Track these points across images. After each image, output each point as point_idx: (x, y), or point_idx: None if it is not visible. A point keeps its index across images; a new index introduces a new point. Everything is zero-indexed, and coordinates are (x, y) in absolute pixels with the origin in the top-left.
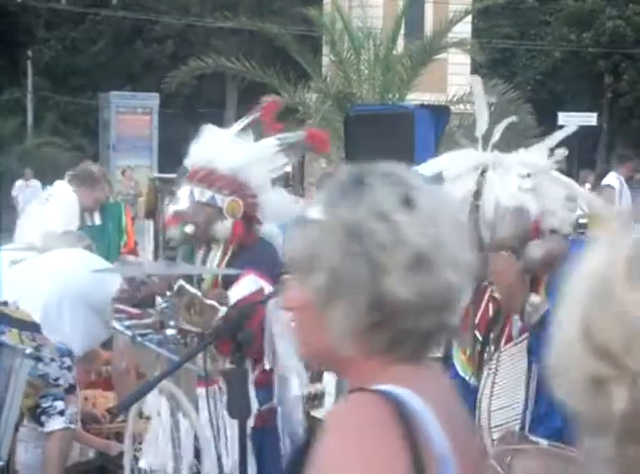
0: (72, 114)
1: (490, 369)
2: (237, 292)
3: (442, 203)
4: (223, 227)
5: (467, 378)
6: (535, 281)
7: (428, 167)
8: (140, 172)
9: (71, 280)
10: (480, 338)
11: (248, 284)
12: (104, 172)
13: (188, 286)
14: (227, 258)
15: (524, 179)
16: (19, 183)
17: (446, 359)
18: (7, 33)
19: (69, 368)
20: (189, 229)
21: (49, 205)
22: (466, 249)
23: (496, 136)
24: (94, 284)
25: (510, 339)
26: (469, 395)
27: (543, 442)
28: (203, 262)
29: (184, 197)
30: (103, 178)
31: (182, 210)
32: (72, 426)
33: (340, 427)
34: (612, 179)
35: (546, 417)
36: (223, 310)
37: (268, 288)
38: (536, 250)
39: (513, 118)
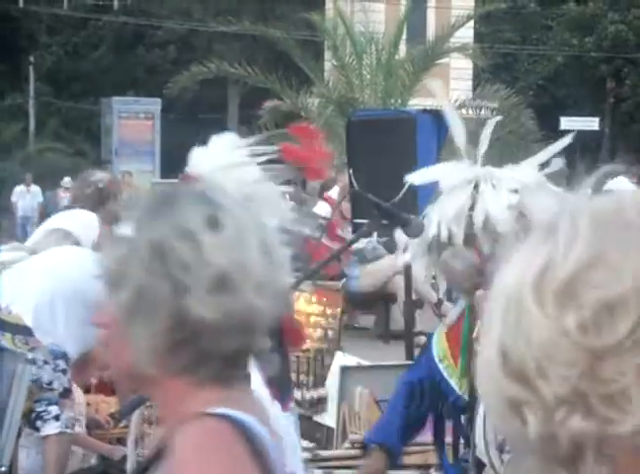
0: (74, 119)
1: None
2: None
3: (250, 226)
4: None
5: (460, 392)
6: None
7: (423, 176)
8: (142, 177)
9: (63, 278)
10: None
11: None
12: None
13: None
14: None
15: (513, 194)
16: (19, 188)
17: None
18: (9, 38)
19: (64, 371)
20: None
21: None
22: (276, 272)
23: (483, 147)
24: (88, 280)
25: None
26: (458, 411)
27: None
28: None
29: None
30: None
31: None
32: (68, 430)
33: (194, 457)
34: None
35: None
36: None
37: None
38: None
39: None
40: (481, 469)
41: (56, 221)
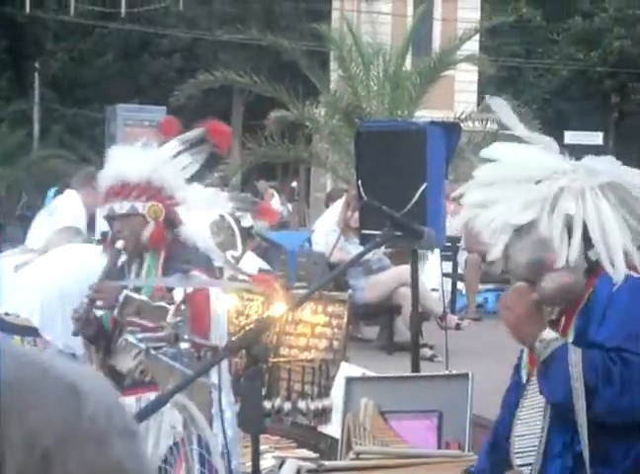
0: (79, 126)
1: (524, 392)
2: (181, 290)
3: None
4: (149, 231)
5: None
6: (565, 320)
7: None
8: None
9: (70, 277)
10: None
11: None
12: None
13: (134, 295)
14: (161, 263)
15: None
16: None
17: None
18: (15, 44)
19: None
20: (119, 244)
21: (56, 216)
22: None
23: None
24: (94, 277)
25: None
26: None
27: None
28: (138, 273)
29: (101, 221)
30: None
31: (107, 232)
32: None
33: None
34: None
35: (559, 456)
36: (171, 308)
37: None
38: (549, 282)
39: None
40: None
41: (61, 220)
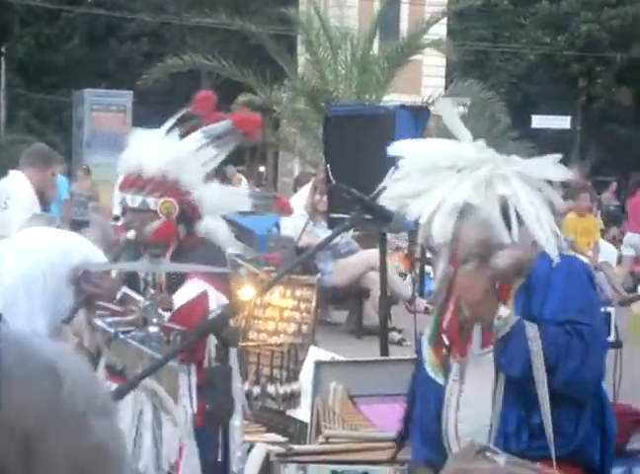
0: (45, 111)
1: (456, 377)
2: (181, 297)
3: None
4: (154, 226)
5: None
6: (503, 289)
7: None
8: (114, 170)
9: (37, 254)
10: (447, 343)
11: (192, 288)
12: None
13: (132, 294)
14: (167, 258)
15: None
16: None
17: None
18: None
19: None
20: (130, 234)
21: (9, 210)
22: None
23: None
24: (61, 253)
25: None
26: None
27: (501, 459)
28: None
29: (117, 205)
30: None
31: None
32: None
33: None
34: None
35: (516, 433)
36: (167, 315)
37: (212, 291)
38: (505, 259)
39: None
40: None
41: (25, 206)
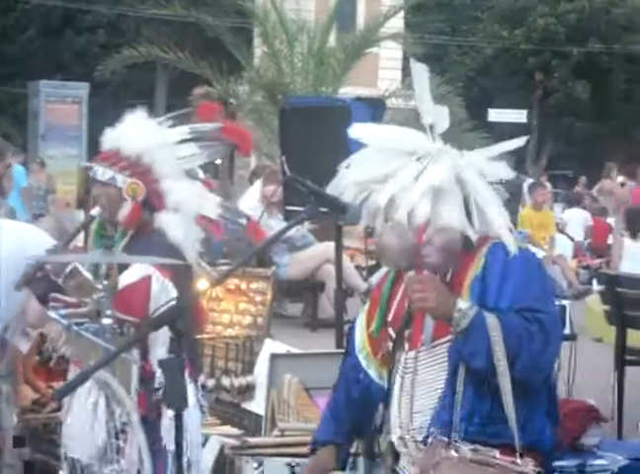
0: (1, 102)
1: (407, 369)
2: (126, 278)
3: None
4: (126, 211)
5: (377, 379)
6: (456, 281)
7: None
8: (70, 161)
9: None
10: (394, 335)
11: (138, 271)
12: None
13: (81, 270)
14: (125, 242)
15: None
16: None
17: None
18: None
19: None
20: (94, 211)
21: None
22: None
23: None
24: (17, 244)
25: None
26: (372, 395)
27: (466, 449)
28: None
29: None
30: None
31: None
32: None
33: None
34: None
35: (470, 417)
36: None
37: (157, 275)
38: (432, 254)
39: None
40: (398, 457)
41: None
